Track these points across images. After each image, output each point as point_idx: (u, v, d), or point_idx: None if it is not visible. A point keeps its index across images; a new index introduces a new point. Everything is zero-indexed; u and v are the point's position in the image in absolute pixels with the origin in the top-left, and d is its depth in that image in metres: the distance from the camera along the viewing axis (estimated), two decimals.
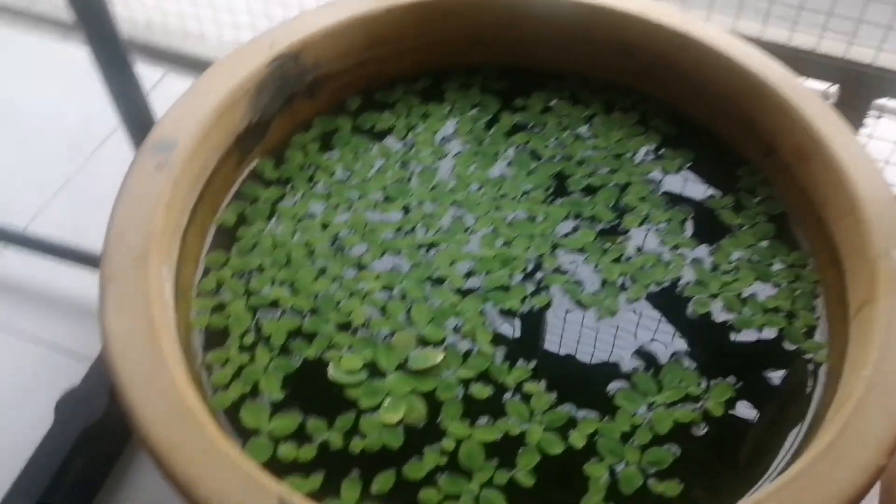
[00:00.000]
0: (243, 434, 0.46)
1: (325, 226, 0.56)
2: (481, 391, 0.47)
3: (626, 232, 0.55)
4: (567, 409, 0.47)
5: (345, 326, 0.50)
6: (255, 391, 0.48)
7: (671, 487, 0.44)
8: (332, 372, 0.48)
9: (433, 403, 0.47)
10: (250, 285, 0.52)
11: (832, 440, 0.40)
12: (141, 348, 0.43)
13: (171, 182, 0.50)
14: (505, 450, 0.45)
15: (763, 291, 0.52)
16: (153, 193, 0.49)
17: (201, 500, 0.38)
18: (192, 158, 0.52)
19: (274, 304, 0.52)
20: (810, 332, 0.50)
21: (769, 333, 0.50)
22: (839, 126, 0.54)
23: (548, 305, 0.52)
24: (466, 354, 0.49)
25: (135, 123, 0.59)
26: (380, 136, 0.62)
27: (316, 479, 0.44)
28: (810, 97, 0.55)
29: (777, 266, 0.54)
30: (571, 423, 0.46)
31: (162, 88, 0.96)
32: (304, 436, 0.46)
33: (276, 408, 0.47)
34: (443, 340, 0.50)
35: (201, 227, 0.54)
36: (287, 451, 0.45)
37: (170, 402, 0.41)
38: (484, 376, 0.48)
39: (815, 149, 0.53)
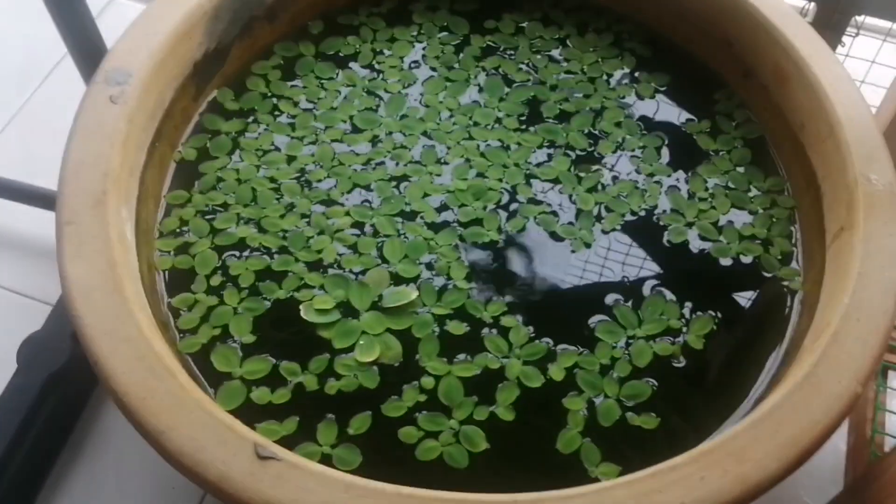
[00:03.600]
0: (214, 379, 0.45)
1: (290, 159, 0.53)
2: (457, 327, 0.47)
3: (601, 159, 0.54)
4: (545, 342, 0.46)
5: (315, 265, 0.49)
6: (224, 334, 0.46)
7: (649, 420, 0.44)
8: (305, 313, 0.47)
9: (409, 342, 0.46)
10: (215, 224, 0.50)
11: (809, 370, 0.39)
12: (103, 294, 0.41)
13: (126, 117, 0.48)
14: (484, 385, 0.45)
15: (739, 218, 0.52)
16: (108, 130, 0.47)
17: (174, 451, 0.37)
18: (148, 90, 0.50)
19: (241, 243, 0.50)
20: (787, 259, 0.50)
21: (746, 261, 0.50)
22: (819, 46, 0.52)
23: (523, 238, 0.50)
24: (441, 290, 0.48)
25: (84, 51, 0.56)
26: (344, 62, 0.59)
27: (291, 423, 0.43)
28: (790, 16, 0.54)
29: (753, 192, 0.53)
30: (550, 356, 0.46)
31: (111, 13, 0.91)
32: (278, 379, 0.45)
33: (248, 351, 0.46)
34: (416, 277, 0.48)
35: (161, 164, 0.52)
36: (260, 395, 0.44)
37: (136, 350, 0.39)
38: (460, 312, 0.47)
39: (795, 70, 0.52)
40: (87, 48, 0.55)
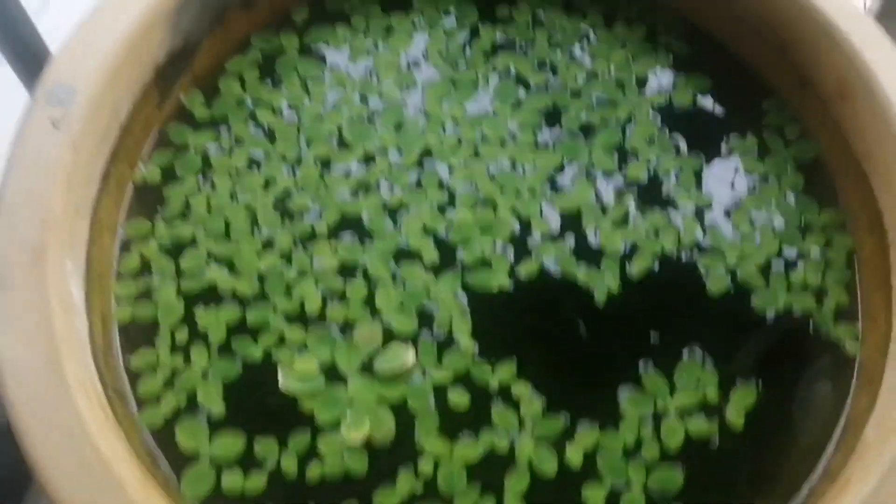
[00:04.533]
0: (179, 460, 0.39)
1: (269, 183, 0.46)
2: (460, 397, 0.40)
3: (629, 186, 0.47)
4: (561, 417, 0.40)
5: (297, 317, 0.42)
6: (191, 404, 0.40)
7: None
8: (283, 381, 0.40)
9: (404, 415, 0.40)
10: (181, 264, 0.43)
11: (883, 479, 0.33)
12: (41, 378, 0.35)
13: (70, 144, 0.40)
14: (490, 470, 0.39)
15: (788, 261, 0.45)
16: (48, 163, 0.39)
17: None
18: (98, 108, 0.42)
19: (211, 288, 0.43)
20: (843, 315, 0.43)
21: (795, 316, 0.43)
22: (893, 57, 0.44)
23: (537, 284, 0.43)
24: (442, 351, 0.41)
25: (20, 57, 0.47)
26: (333, 58, 0.51)
27: None
28: (859, 19, 0.45)
29: (805, 229, 0.45)
30: (567, 433, 0.40)
31: (53, 11, 0.80)
32: (252, 460, 0.39)
33: (218, 425, 0.39)
34: (414, 333, 0.42)
35: (118, 188, 0.45)
36: (232, 481, 0.38)
37: (78, 452, 0.33)
38: (463, 378, 0.41)
39: (862, 84, 0.44)
40: (23, 52, 0.46)
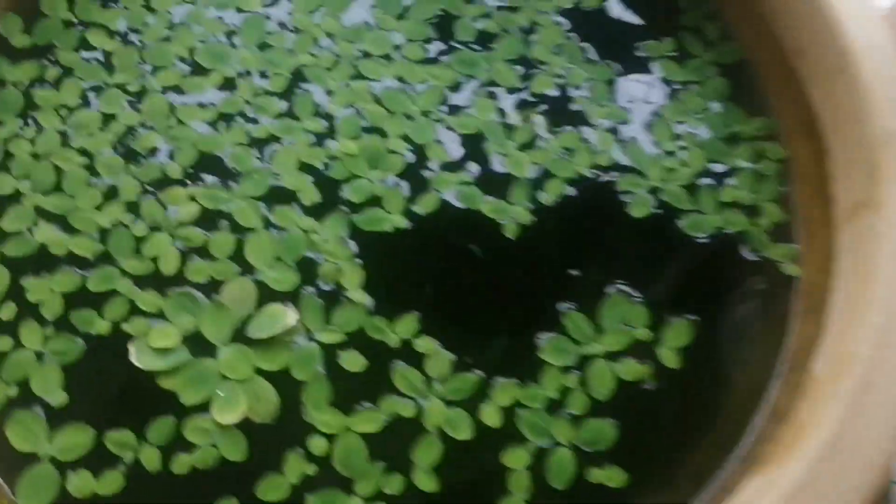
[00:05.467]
0: (12, 463, 0.32)
1: (108, 120, 0.38)
2: (354, 361, 0.34)
3: (536, 102, 0.41)
4: (474, 374, 0.34)
5: (150, 280, 0.35)
6: (24, 395, 0.33)
7: (613, 475, 0.33)
8: (136, 356, 0.33)
9: (288, 387, 0.33)
10: (4, 224, 0.36)
11: (836, 432, 0.29)
12: None
13: None
14: (395, 442, 0.33)
15: (717, 177, 0.40)
16: None
17: None
18: None
19: (42, 253, 0.35)
20: (779, 233, 0.39)
21: (727, 237, 0.38)
22: None
23: (439, 221, 0.37)
24: (329, 307, 0.35)
25: None
26: None
27: None
28: None
29: (734, 140, 0.40)
30: (482, 392, 0.34)
31: None
32: (104, 457, 0.32)
33: (59, 418, 0.32)
34: (294, 289, 0.35)
35: None
36: (81, 483, 0.31)
37: None
38: (357, 338, 0.35)
39: None
40: None
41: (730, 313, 0.37)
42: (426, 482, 0.32)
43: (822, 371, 0.32)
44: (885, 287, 0.31)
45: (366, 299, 0.35)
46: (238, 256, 0.36)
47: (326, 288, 0.35)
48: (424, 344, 0.34)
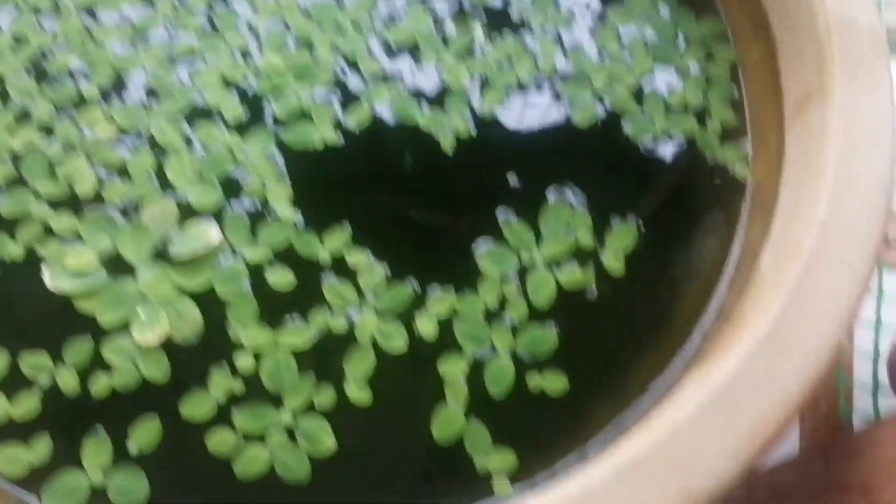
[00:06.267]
0: None
1: (18, 42, 0.36)
2: (282, 277, 0.33)
3: (474, 8, 0.39)
4: (408, 285, 0.33)
5: (65, 202, 0.33)
6: None
7: (555, 381, 0.32)
8: (51, 278, 0.32)
9: (212, 306, 0.32)
10: None
11: (777, 319, 0.27)
12: None
13: None
14: (326, 357, 0.32)
15: (665, 82, 0.38)
16: None
17: None
18: None
19: None
20: (729, 136, 0.37)
21: (676, 142, 0.37)
22: None
23: (372, 134, 0.36)
24: (255, 224, 0.33)
25: None
26: None
27: (43, 445, 0.29)
28: None
29: (682, 42, 0.39)
30: (416, 303, 0.33)
31: None
32: (18, 381, 0.30)
33: None
34: (217, 207, 0.34)
35: None
36: None
37: None
38: (285, 254, 0.33)
39: None
40: None
41: (678, 219, 0.35)
42: (358, 394, 0.31)
43: (767, 267, 0.30)
44: (831, 180, 0.30)
45: (294, 215, 0.34)
46: (160, 176, 0.34)
47: (251, 205, 0.34)
48: (356, 257, 0.33)
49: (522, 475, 0.30)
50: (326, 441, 0.30)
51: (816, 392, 0.39)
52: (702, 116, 0.37)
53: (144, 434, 0.30)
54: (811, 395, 0.26)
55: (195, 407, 0.30)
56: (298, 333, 0.32)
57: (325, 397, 0.31)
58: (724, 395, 0.26)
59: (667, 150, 0.36)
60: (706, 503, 0.24)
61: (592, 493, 0.24)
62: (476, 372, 0.32)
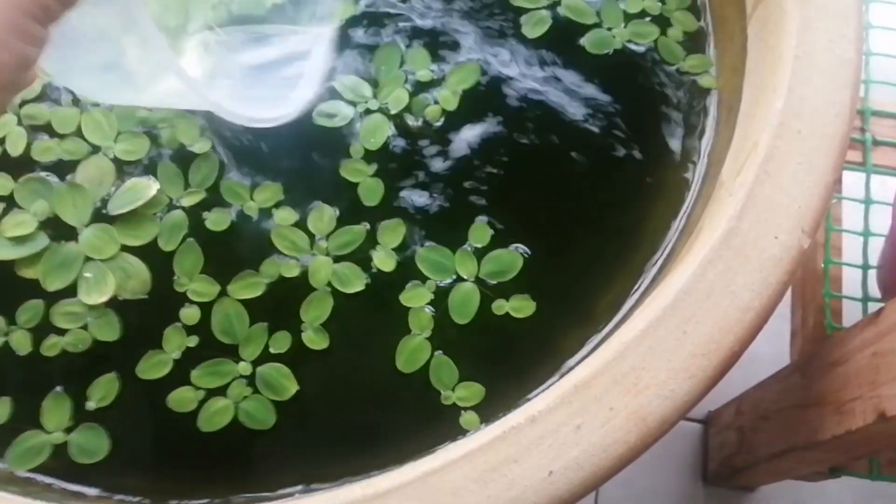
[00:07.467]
0: None
1: None
2: (220, 220, 0.32)
3: None
4: (363, 226, 0.32)
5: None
6: None
7: (522, 306, 0.30)
8: None
9: (158, 260, 0.31)
10: None
11: (730, 225, 0.26)
12: None
13: None
14: (280, 305, 0.31)
15: None
16: None
17: None
18: None
19: None
20: (693, 43, 0.35)
21: (637, 52, 0.35)
22: None
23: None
24: (186, 171, 0.32)
25: None
26: None
27: (2, 408, 0.29)
28: None
29: None
30: (371, 241, 0.31)
31: None
32: None
33: None
34: (148, 157, 0.32)
35: None
36: None
37: None
38: (220, 200, 0.32)
39: None
40: None
41: (644, 131, 0.34)
42: (316, 339, 0.30)
43: (727, 173, 0.29)
44: (788, 69, 0.28)
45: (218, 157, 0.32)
46: (88, 131, 0.33)
47: (178, 154, 0.32)
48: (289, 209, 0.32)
49: (486, 406, 0.29)
50: (289, 386, 0.29)
51: (805, 307, 0.38)
52: (663, 24, 0.35)
53: (102, 390, 0.29)
54: (773, 307, 0.25)
55: (152, 368, 0.30)
56: (248, 283, 0.31)
57: (282, 343, 0.30)
58: (673, 310, 0.25)
59: (627, 62, 0.34)
60: (661, 424, 0.24)
61: (538, 418, 0.23)
62: (440, 299, 0.30)
